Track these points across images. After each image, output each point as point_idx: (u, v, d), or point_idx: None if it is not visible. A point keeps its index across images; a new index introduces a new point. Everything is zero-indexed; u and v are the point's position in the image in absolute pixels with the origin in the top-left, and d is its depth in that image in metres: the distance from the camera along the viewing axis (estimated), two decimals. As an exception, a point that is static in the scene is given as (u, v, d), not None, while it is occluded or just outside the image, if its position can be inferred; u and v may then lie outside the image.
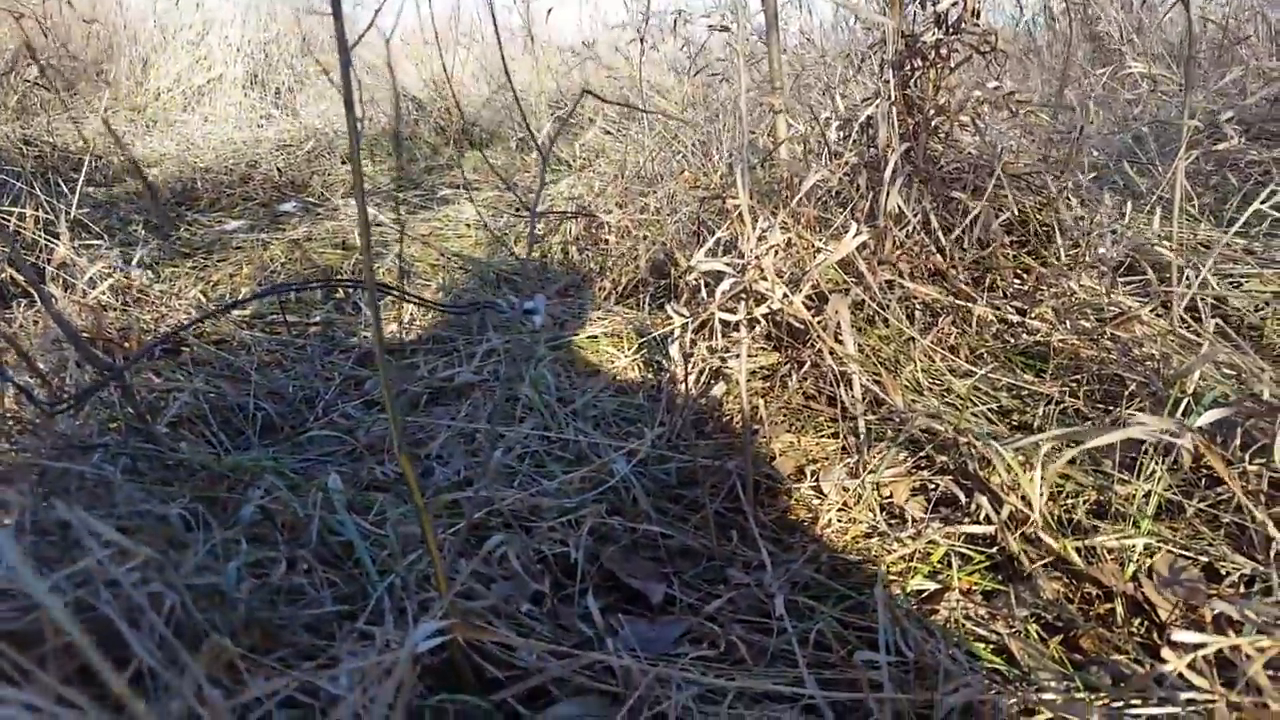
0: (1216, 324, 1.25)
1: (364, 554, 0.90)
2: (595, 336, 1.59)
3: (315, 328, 1.83)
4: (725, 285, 1.02)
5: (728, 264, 1.01)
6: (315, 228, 2.71)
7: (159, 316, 1.79)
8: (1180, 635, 0.62)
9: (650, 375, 1.39)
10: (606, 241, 1.99)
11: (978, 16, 1.15)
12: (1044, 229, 1.42)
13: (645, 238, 1.73)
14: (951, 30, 1.15)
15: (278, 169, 3.37)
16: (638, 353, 1.47)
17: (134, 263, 2.07)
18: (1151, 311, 1.34)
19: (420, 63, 4.47)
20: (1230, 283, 1.47)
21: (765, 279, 0.99)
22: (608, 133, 4.14)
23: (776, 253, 1.00)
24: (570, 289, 1.89)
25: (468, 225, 2.72)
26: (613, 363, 1.46)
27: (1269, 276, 1.45)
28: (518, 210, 2.80)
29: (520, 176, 3.42)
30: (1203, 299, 1.27)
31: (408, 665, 0.63)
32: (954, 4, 1.14)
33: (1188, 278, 1.32)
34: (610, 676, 0.80)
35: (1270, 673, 0.63)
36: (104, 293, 1.76)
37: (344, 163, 3.50)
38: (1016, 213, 1.35)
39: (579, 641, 0.87)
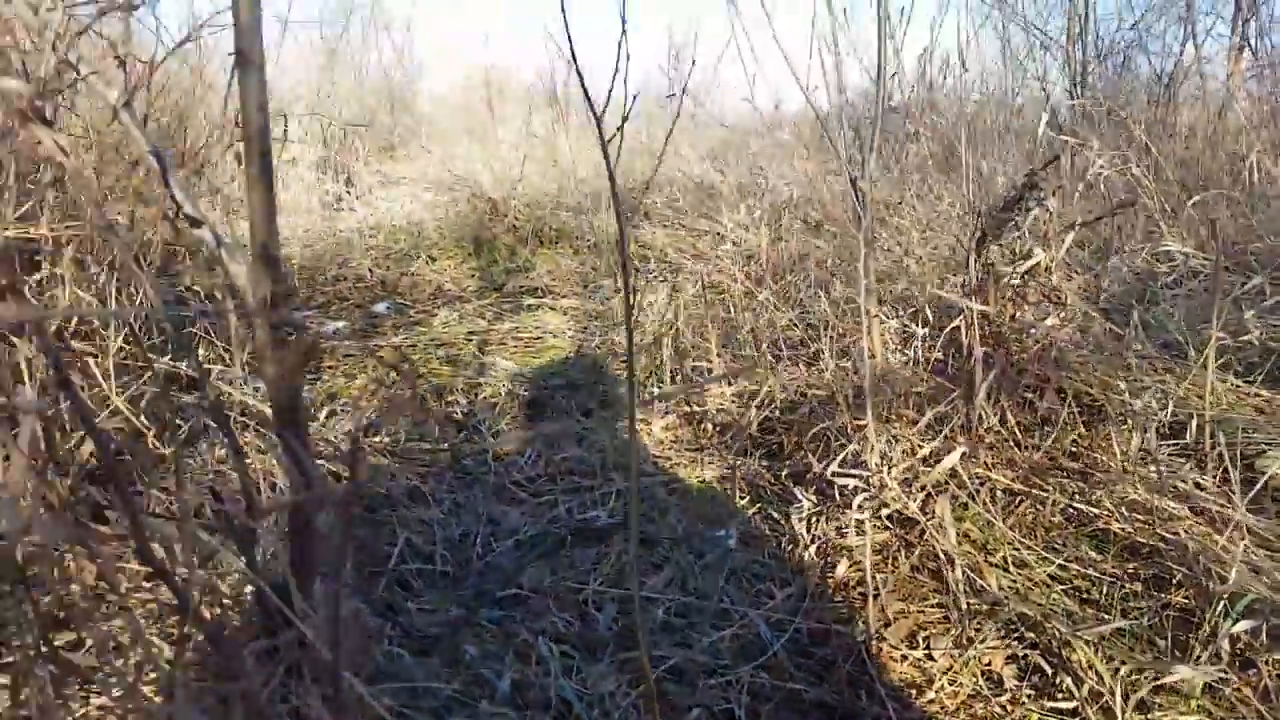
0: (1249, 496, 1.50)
1: (585, 716, 1.15)
2: (708, 482, 1.86)
3: (446, 455, 2.09)
4: (859, 500, 1.29)
5: (858, 477, 1.28)
6: (412, 335, 2.98)
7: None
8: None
9: (768, 529, 1.64)
10: (709, 370, 2.26)
11: (1050, 273, 1.43)
12: (1099, 409, 1.70)
13: (749, 397, 1.99)
14: (1028, 275, 1.44)
15: (369, 270, 3.67)
16: (754, 504, 1.73)
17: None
18: (1189, 471, 1.61)
19: (489, 163, 4.78)
20: (1255, 449, 1.72)
21: (888, 487, 1.26)
22: (665, 225, 4.45)
23: (895, 464, 1.28)
24: (675, 424, 2.15)
25: (553, 335, 3.00)
26: (731, 514, 1.72)
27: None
28: (599, 321, 3.07)
29: (592, 276, 3.70)
30: (1234, 467, 1.53)
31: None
32: (1031, 267, 1.42)
33: (1217, 441, 1.59)
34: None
35: None
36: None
37: (430, 262, 3.80)
38: (1074, 398, 1.62)
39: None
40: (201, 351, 2.14)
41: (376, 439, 2.12)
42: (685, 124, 6.33)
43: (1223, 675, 1.13)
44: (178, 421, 1.88)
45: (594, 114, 0.78)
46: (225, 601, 1.20)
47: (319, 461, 1.93)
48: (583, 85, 0.79)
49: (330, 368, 2.69)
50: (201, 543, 0.98)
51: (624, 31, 0.89)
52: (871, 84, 5.53)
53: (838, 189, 3.19)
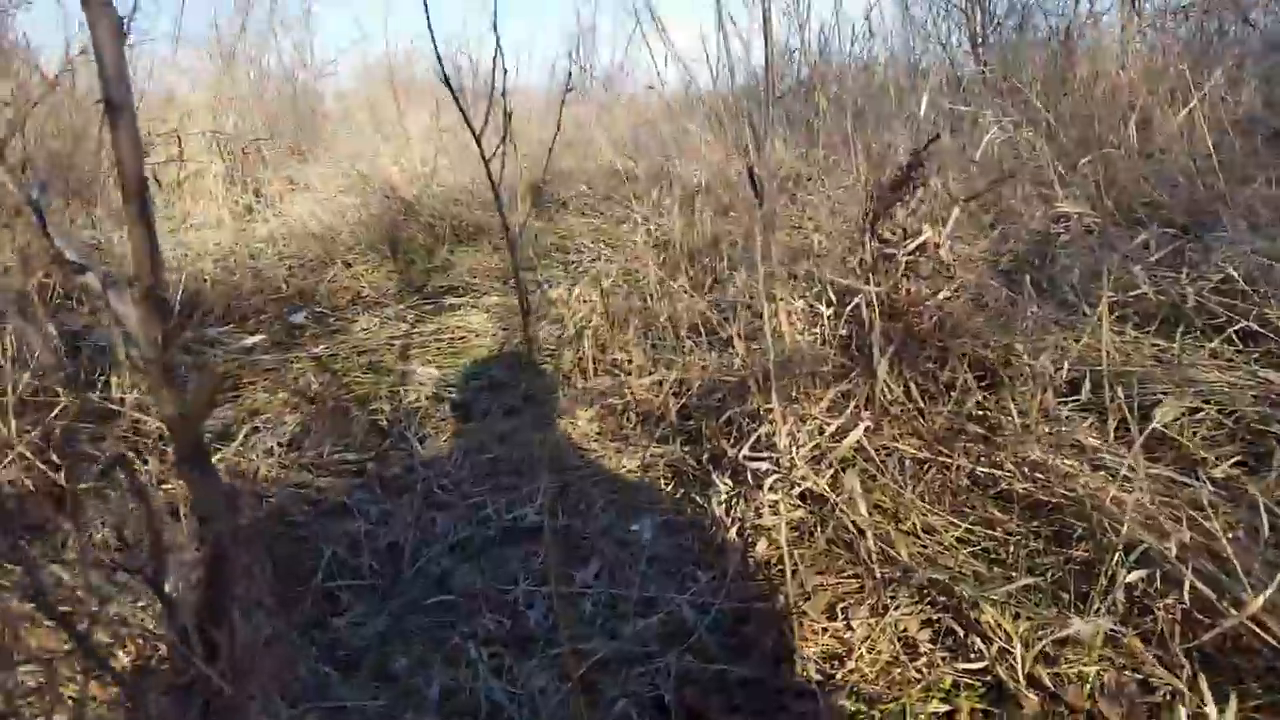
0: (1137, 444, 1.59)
1: (515, 717, 1.17)
2: (633, 470, 1.88)
3: (371, 464, 2.08)
4: (770, 481, 1.33)
5: (769, 460, 1.32)
6: (334, 344, 2.94)
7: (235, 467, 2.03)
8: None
9: (691, 514, 1.68)
10: (625, 365, 2.29)
11: (940, 250, 1.49)
12: (1000, 367, 1.77)
13: (666, 382, 2.03)
14: (919, 251, 1.49)
15: (284, 280, 3.60)
16: (678, 490, 1.76)
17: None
18: (1089, 427, 1.70)
19: (399, 160, 4.72)
20: (1153, 399, 1.81)
21: (797, 467, 1.30)
22: (583, 214, 4.45)
23: (804, 445, 1.32)
24: (594, 417, 2.17)
25: (476, 334, 2.99)
26: (655, 501, 1.75)
27: (1182, 393, 1.81)
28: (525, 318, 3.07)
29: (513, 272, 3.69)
30: (1132, 415, 1.61)
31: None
32: (920, 244, 1.48)
33: (1116, 395, 1.67)
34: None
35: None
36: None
37: (346, 267, 3.74)
38: (975, 363, 1.69)
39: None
40: (114, 380, 2.09)
41: (299, 454, 2.10)
42: (597, 110, 6.34)
43: (1117, 626, 1.19)
44: (93, 454, 1.84)
45: (473, 133, 0.79)
46: (144, 639, 1.19)
47: (240, 483, 1.91)
48: (458, 104, 0.79)
49: (250, 384, 2.65)
50: (104, 584, 0.97)
51: (499, 48, 0.90)
52: (777, 60, 5.59)
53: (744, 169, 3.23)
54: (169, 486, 1.77)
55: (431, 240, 4.05)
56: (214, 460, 1.93)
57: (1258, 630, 1.11)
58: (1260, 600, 1.07)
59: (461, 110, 0.80)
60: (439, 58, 0.83)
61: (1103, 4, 4.92)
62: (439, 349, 2.86)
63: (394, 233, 4.11)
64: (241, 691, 0.64)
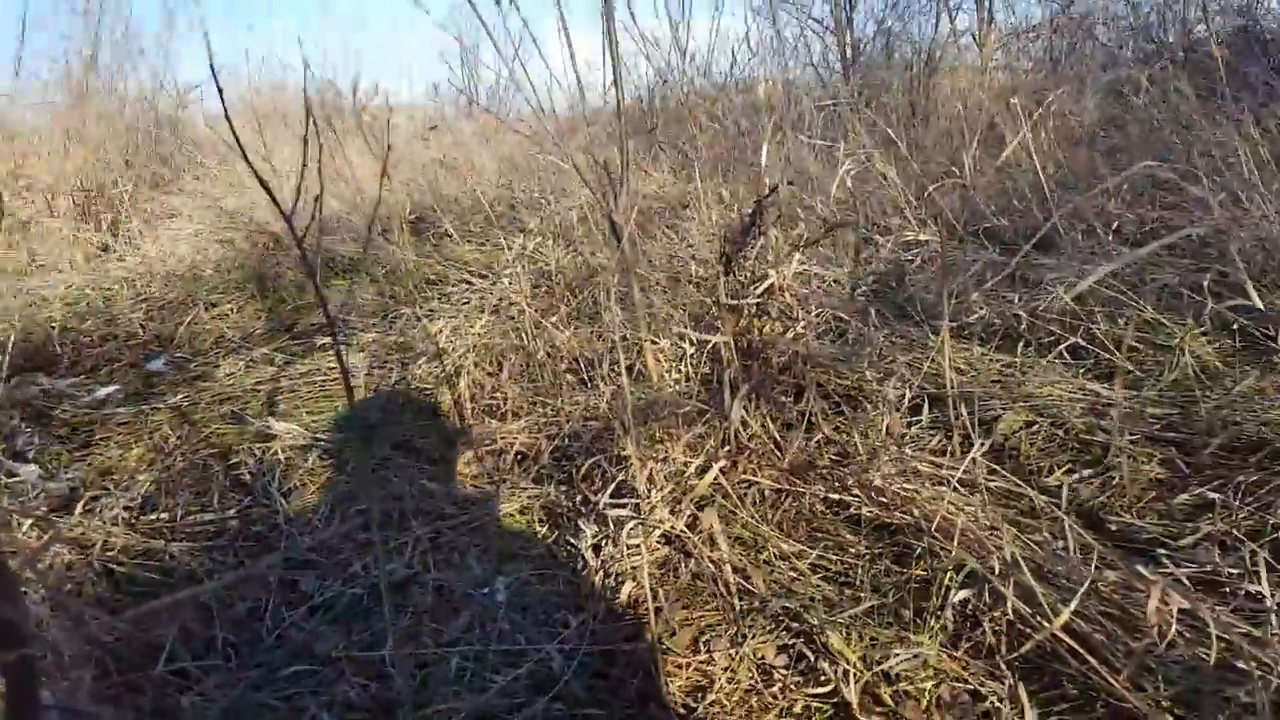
0: (986, 460, 1.69)
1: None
2: (511, 513, 1.89)
3: (233, 523, 2.01)
4: (629, 527, 1.37)
5: (629, 507, 1.36)
6: (194, 392, 2.83)
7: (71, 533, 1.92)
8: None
9: (564, 556, 1.69)
10: (501, 405, 2.29)
11: (785, 293, 1.56)
12: (851, 395, 1.86)
13: (541, 423, 2.04)
14: (767, 294, 1.57)
15: (140, 325, 3.45)
16: (551, 534, 1.78)
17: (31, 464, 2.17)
18: (935, 447, 1.80)
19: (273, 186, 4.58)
20: (994, 414, 1.94)
21: (656, 513, 1.34)
22: (466, 242, 4.41)
23: (662, 488, 1.36)
24: (471, 460, 2.17)
25: (351, 375, 2.92)
26: (530, 545, 1.76)
27: (1020, 407, 1.93)
28: (398, 354, 3.02)
29: (390, 306, 3.61)
30: (975, 431, 1.71)
31: None
32: (768, 285, 1.55)
33: (960, 413, 1.78)
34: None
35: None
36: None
37: (210, 308, 3.62)
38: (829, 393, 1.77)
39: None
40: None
41: (153, 516, 2.01)
42: (481, 132, 6.30)
43: (940, 649, 1.27)
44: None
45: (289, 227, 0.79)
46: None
47: (80, 556, 1.82)
48: (264, 185, 0.79)
49: (103, 440, 2.53)
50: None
51: (309, 124, 0.90)
52: (657, 80, 5.68)
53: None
54: None
55: (302, 276, 3.94)
56: (55, 528, 1.84)
57: (1068, 639, 1.20)
58: (1067, 612, 1.17)
59: (265, 186, 0.80)
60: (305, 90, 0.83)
61: (963, 23, 5.22)
62: (310, 393, 2.79)
63: (262, 269, 4.00)
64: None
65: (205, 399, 2.76)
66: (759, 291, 1.55)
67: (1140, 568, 1.28)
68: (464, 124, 6.43)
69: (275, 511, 2.01)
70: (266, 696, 1.37)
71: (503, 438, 2.16)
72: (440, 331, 2.88)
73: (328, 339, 3.26)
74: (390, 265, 4.02)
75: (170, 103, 6.37)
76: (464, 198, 5.00)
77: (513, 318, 2.81)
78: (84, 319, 3.52)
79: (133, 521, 1.92)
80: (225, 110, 0.82)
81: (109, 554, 1.78)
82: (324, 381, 2.89)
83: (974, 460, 1.59)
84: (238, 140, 0.81)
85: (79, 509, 1.94)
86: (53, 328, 3.42)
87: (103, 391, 2.89)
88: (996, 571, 1.27)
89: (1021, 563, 1.26)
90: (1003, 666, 1.23)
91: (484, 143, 5.95)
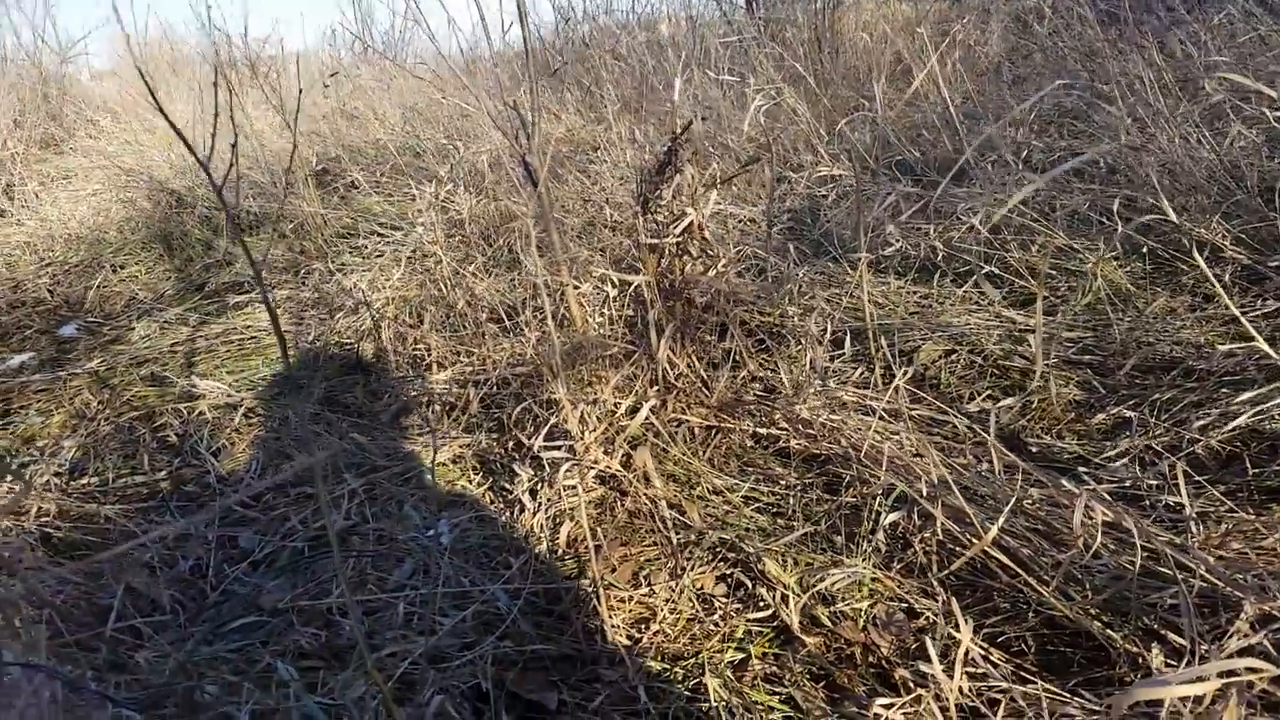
0: (908, 389, 1.77)
1: (333, 727, 1.19)
2: (443, 463, 1.90)
3: (165, 484, 1.99)
4: (565, 468, 1.39)
5: (564, 448, 1.39)
6: (110, 356, 2.75)
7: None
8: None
9: (501, 504, 1.72)
10: (425, 356, 2.28)
11: (704, 231, 1.59)
12: (774, 330, 1.91)
13: (466, 372, 2.04)
14: (686, 233, 1.59)
15: (48, 290, 3.31)
16: (485, 480, 1.80)
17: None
18: (858, 379, 1.87)
19: (167, 147, 4.41)
20: (913, 344, 2.01)
21: (591, 453, 1.37)
22: (373, 193, 4.31)
23: (594, 429, 1.39)
24: (400, 412, 2.17)
25: (268, 332, 2.87)
26: (465, 492, 1.78)
27: (938, 337, 2.01)
28: (315, 310, 2.97)
29: (301, 262, 3.54)
30: (895, 362, 1.78)
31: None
32: (688, 224, 1.57)
33: (880, 345, 1.85)
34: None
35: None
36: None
37: (117, 270, 3.49)
38: (753, 329, 1.82)
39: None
40: None
41: (83, 481, 1.98)
42: (380, 79, 6.10)
43: (873, 569, 1.34)
44: None
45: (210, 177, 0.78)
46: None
47: (14, 524, 1.78)
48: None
49: (22, 407, 2.45)
50: None
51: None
52: (559, 19, 5.57)
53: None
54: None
55: (209, 233, 3.82)
56: (23, 482, 1.80)
57: (998, 555, 1.28)
58: (995, 528, 1.24)
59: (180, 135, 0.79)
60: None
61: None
62: (228, 352, 2.73)
63: (167, 228, 3.85)
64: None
65: (122, 363, 2.69)
66: (678, 231, 1.57)
67: (1065, 482, 1.36)
68: (361, 70, 6.21)
69: (206, 471, 1.99)
70: (219, 649, 1.38)
71: (430, 388, 2.16)
72: (356, 285, 2.84)
73: (240, 298, 3.19)
74: (298, 220, 3.91)
75: (54, 59, 6.02)
76: (367, 148, 4.87)
77: (428, 269, 2.79)
78: (-16, 285, 3.37)
79: (64, 487, 1.88)
80: (136, 61, 0.79)
81: (44, 519, 1.75)
82: (241, 340, 2.84)
83: (897, 389, 1.66)
84: (153, 95, 0.79)
85: (13, 468, 1.89)
86: (-50, 295, 3.27)
87: (16, 360, 2.80)
88: (925, 494, 1.34)
89: (950, 484, 1.33)
90: (935, 584, 1.30)
91: (384, 90, 5.77)
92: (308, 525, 1.76)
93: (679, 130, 1.49)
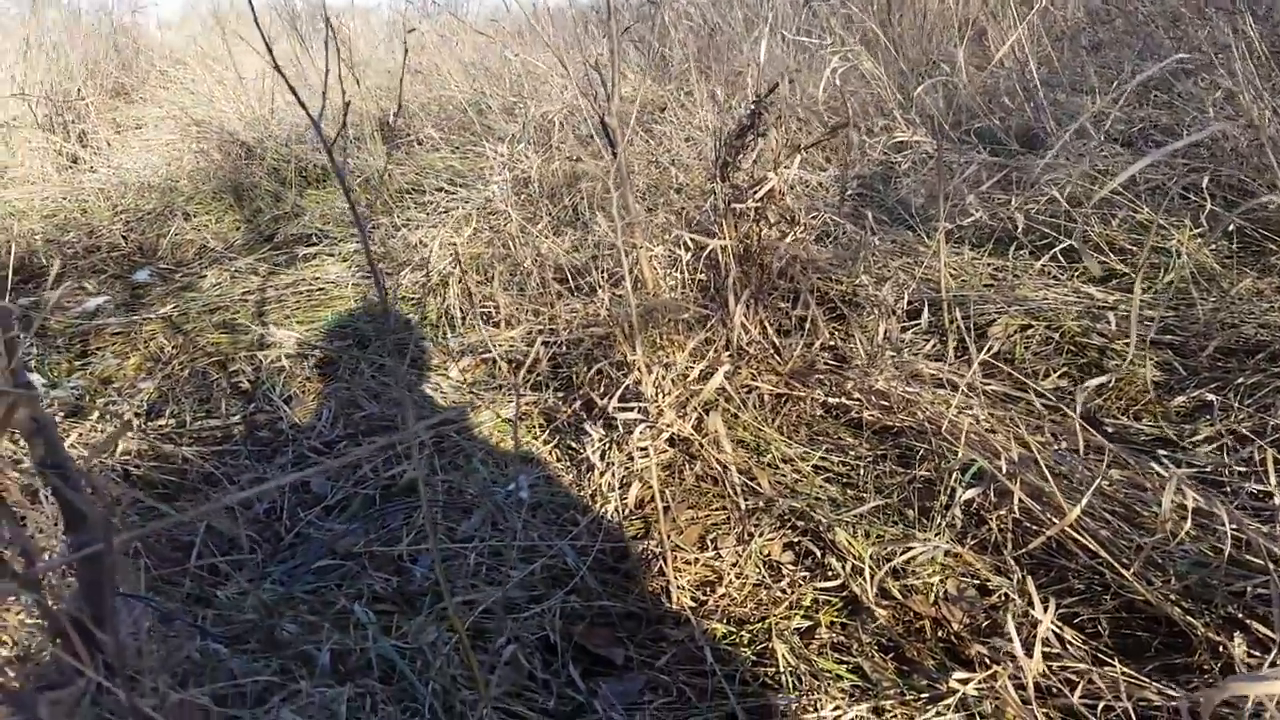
0: (983, 361, 1.74)
1: (407, 671, 1.22)
2: (509, 420, 1.92)
3: (239, 429, 2.04)
4: (639, 430, 1.40)
5: (637, 410, 1.39)
6: (183, 302, 2.81)
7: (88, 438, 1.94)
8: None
9: (568, 462, 1.74)
10: (492, 314, 2.30)
11: (784, 197, 1.57)
12: (848, 299, 1.89)
13: (534, 331, 2.06)
14: (766, 198, 1.57)
15: (122, 236, 3.39)
16: (552, 438, 1.82)
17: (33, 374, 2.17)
18: (930, 351, 1.84)
19: (237, 99, 4.46)
20: (988, 319, 1.97)
21: (665, 415, 1.37)
22: (437, 150, 4.33)
23: (668, 392, 1.39)
24: (467, 367, 2.19)
25: (335, 285, 2.92)
26: (532, 450, 1.80)
27: (1015, 311, 1.97)
28: (381, 265, 3.00)
29: (368, 216, 3.57)
30: (970, 335, 1.75)
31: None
32: (768, 190, 1.55)
33: (955, 318, 1.82)
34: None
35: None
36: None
37: (188, 218, 3.56)
38: (826, 298, 1.80)
39: (574, 706, 1.23)
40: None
41: (160, 422, 2.04)
42: (446, 37, 6.10)
43: (951, 544, 1.33)
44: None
45: (313, 121, 0.79)
46: (21, 633, 1.16)
47: (101, 460, 1.84)
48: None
49: (98, 349, 2.53)
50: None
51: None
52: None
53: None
54: (15, 475, 1.70)
55: (278, 185, 3.88)
56: (72, 437, 1.86)
57: (1077, 535, 1.26)
58: (1078, 509, 1.22)
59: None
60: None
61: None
62: (297, 303, 2.78)
63: (237, 179, 3.92)
64: (127, 683, 0.66)
65: (195, 309, 2.74)
66: (758, 196, 1.55)
67: (1155, 465, 1.33)
68: (424, 26, 6.22)
69: (278, 417, 2.03)
70: (295, 590, 1.42)
71: (496, 345, 2.18)
72: (421, 241, 2.86)
73: (309, 250, 3.23)
74: (364, 174, 3.94)
75: (124, 9, 6.12)
76: (432, 104, 4.88)
77: (496, 227, 2.80)
78: (65, 231, 3.46)
79: (143, 427, 1.94)
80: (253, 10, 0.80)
81: (125, 457, 1.80)
82: (309, 292, 2.88)
83: (970, 363, 1.63)
84: (269, 49, 0.79)
85: (94, 415, 1.96)
86: (36, 239, 3.36)
87: (93, 303, 2.87)
88: (1004, 470, 1.32)
89: (1030, 462, 1.31)
90: (1010, 562, 1.29)
91: (448, 46, 5.76)
92: (379, 474, 1.79)
93: (763, 94, 1.47)
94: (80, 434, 1.91)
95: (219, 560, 1.51)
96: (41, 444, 0.85)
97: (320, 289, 2.88)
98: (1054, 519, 1.27)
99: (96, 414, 2.01)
